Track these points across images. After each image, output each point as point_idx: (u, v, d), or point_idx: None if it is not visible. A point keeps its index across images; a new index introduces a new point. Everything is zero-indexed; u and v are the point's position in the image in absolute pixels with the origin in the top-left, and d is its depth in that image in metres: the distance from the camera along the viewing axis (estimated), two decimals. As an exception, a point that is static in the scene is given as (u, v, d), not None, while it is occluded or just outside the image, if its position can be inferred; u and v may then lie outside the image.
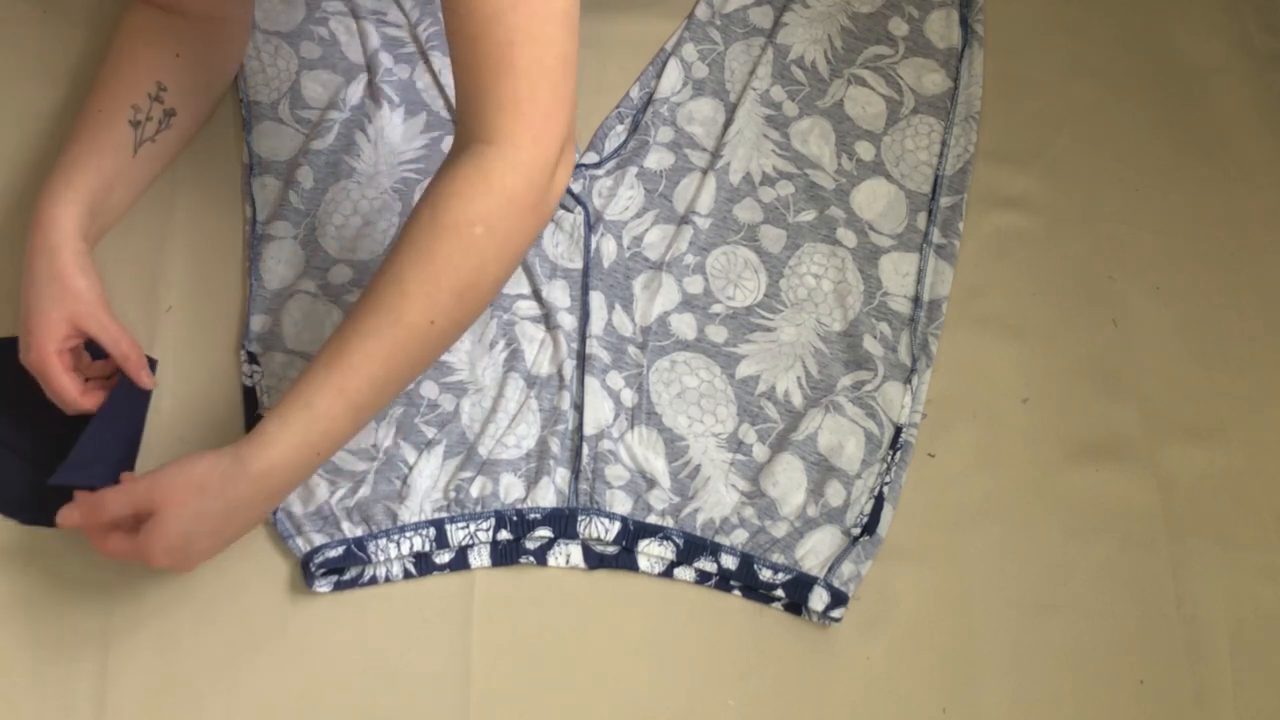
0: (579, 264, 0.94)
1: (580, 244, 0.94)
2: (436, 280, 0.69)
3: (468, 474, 0.85)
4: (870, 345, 0.93)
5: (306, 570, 0.82)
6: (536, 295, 0.92)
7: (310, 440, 0.71)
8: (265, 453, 0.70)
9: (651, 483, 0.87)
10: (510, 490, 0.85)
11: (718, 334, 0.93)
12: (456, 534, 0.83)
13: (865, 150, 1.02)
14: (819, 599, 0.84)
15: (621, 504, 0.86)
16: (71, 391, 0.78)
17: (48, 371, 0.77)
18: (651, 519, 0.86)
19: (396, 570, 0.83)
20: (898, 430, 0.91)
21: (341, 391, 0.70)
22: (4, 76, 0.96)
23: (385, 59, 0.99)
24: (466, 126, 0.70)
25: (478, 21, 0.67)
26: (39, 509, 0.79)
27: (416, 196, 0.94)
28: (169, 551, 0.70)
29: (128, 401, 0.81)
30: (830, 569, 0.86)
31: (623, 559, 0.86)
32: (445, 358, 0.89)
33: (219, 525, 0.72)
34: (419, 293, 0.69)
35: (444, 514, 0.84)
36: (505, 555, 0.85)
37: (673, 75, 1.03)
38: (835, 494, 0.88)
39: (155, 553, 0.70)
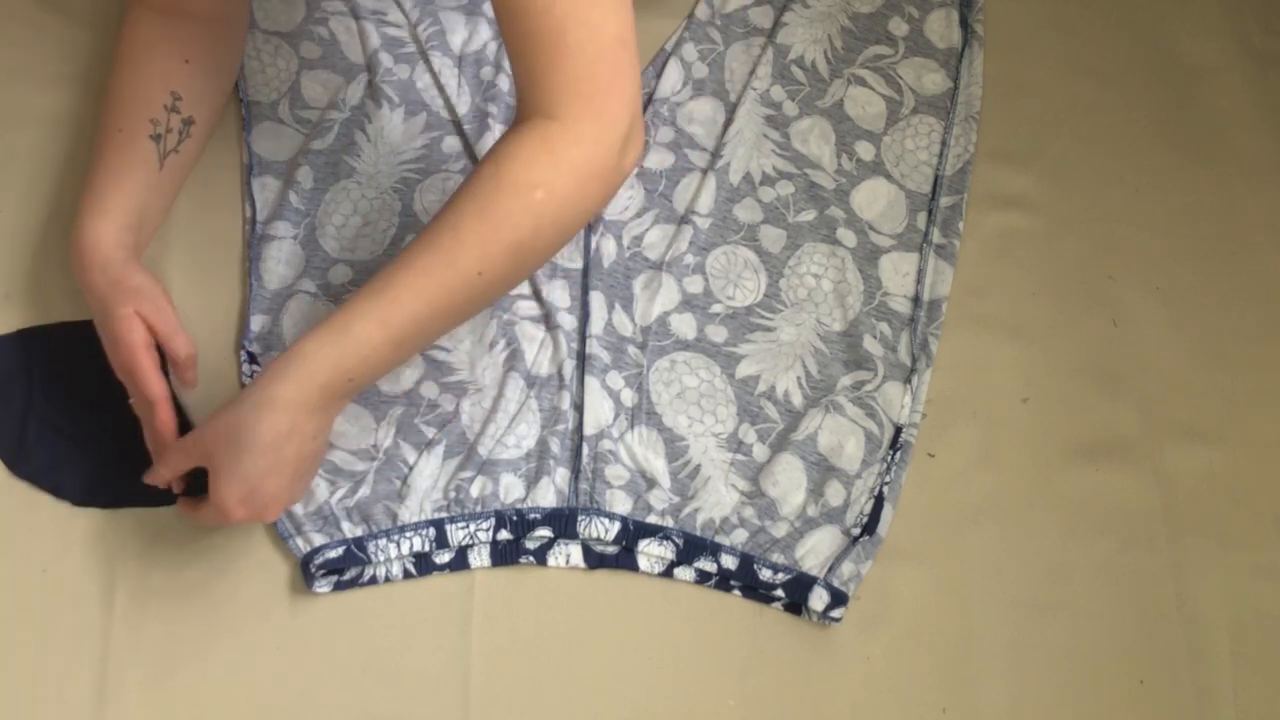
0: (579, 264, 0.94)
1: (580, 244, 0.94)
2: (494, 233, 0.71)
3: (468, 474, 0.85)
4: (870, 345, 0.93)
5: (306, 570, 0.82)
6: (536, 295, 0.92)
7: (345, 366, 0.73)
8: (299, 373, 0.72)
9: (651, 483, 0.87)
10: (510, 490, 0.85)
11: (718, 334, 0.93)
12: (456, 534, 0.83)
13: (865, 150, 1.02)
14: (819, 599, 0.84)
15: (621, 504, 0.86)
16: (157, 386, 0.79)
17: (136, 366, 0.78)
18: (651, 519, 0.86)
19: (396, 570, 0.83)
20: (898, 430, 0.91)
21: (383, 323, 0.72)
22: (4, 77, 0.96)
23: (385, 59, 0.99)
24: (528, 105, 0.73)
25: (530, 16, 0.69)
26: (92, 491, 0.83)
27: (417, 196, 0.94)
28: (242, 502, 0.72)
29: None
30: (830, 569, 0.86)
31: (623, 559, 0.86)
32: (445, 358, 0.89)
33: (273, 462, 0.72)
34: (474, 242, 0.71)
35: (444, 514, 0.84)
36: (505, 555, 0.85)
37: (672, 75, 1.03)
38: (835, 494, 0.88)
39: (230, 508, 0.72)
